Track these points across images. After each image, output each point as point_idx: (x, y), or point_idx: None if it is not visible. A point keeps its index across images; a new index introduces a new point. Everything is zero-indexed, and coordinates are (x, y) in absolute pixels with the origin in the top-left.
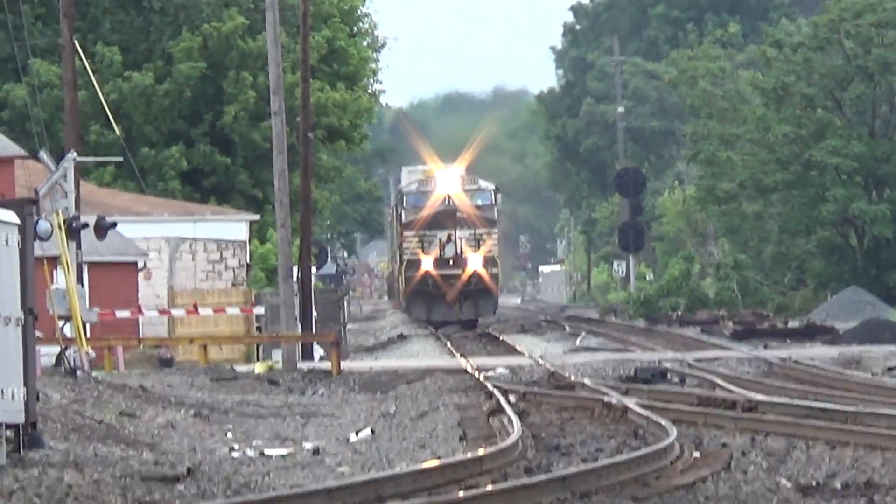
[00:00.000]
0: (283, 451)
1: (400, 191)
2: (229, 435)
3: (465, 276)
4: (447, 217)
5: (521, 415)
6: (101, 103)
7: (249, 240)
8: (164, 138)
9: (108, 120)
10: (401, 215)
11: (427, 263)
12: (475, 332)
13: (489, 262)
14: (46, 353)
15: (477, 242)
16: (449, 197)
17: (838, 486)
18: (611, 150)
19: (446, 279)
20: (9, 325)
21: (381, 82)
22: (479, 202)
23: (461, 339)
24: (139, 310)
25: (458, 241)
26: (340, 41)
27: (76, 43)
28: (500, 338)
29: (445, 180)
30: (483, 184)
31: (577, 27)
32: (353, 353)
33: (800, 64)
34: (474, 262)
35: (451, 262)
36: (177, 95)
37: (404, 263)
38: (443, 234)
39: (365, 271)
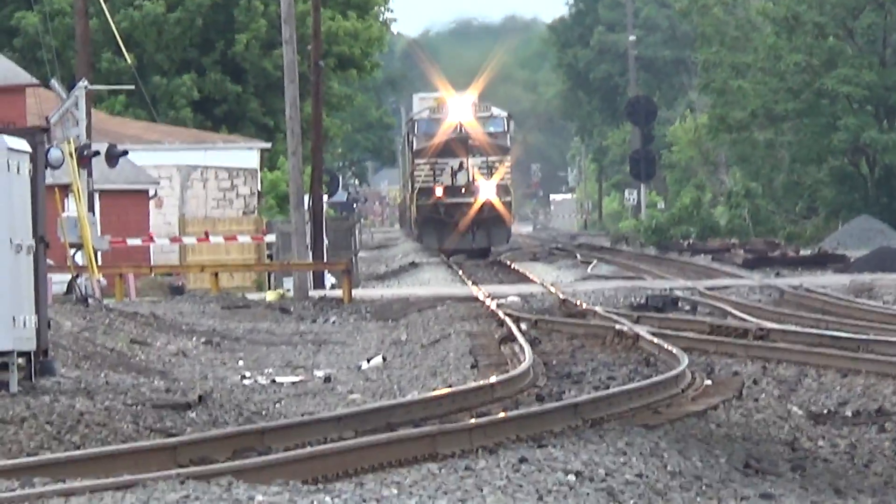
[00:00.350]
0: (295, 379)
1: (411, 118)
2: (241, 363)
3: (477, 205)
4: (459, 144)
5: (533, 342)
6: (113, 31)
7: (261, 168)
8: (176, 67)
9: (120, 48)
10: (412, 143)
11: (439, 191)
12: (487, 261)
13: (502, 189)
14: (58, 281)
15: (489, 170)
16: (461, 124)
17: (849, 413)
18: (622, 78)
19: (458, 207)
20: (20, 253)
21: (392, 10)
22: (492, 129)
23: (473, 266)
24: (150, 238)
25: (470, 169)
26: None
27: None
28: (512, 266)
29: (457, 107)
30: (495, 111)
31: None
32: (365, 281)
33: None
34: (486, 190)
35: (462, 190)
36: (188, 24)
37: (416, 191)
38: (454, 162)
39: (376, 199)
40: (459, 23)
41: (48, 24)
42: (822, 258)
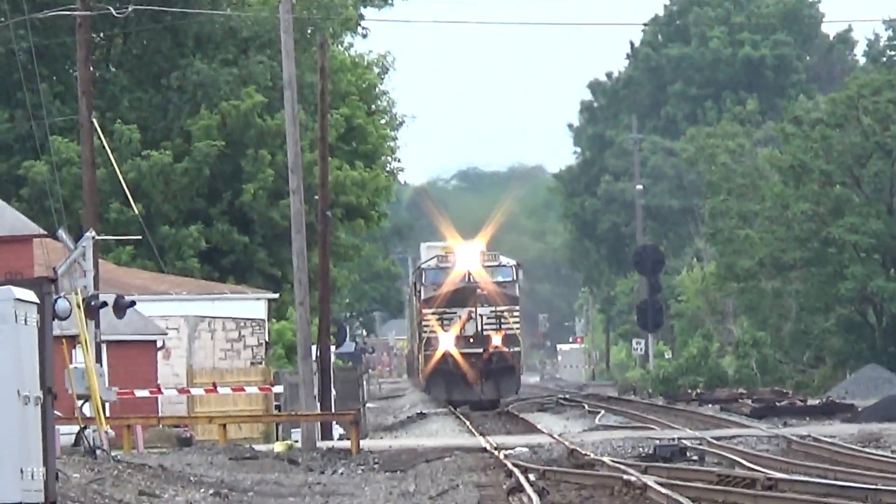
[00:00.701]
0: None
1: (419, 267)
2: None
3: (486, 355)
4: (467, 294)
5: (541, 493)
6: (120, 181)
7: (268, 318)
8: (183, 217)
9: (127, 198)
10: (420, 292)
11: (447, 342)
12: (494, 411)
13: (511, 340)
14: (66, 433)
15: (498, 320)
16: (469, 273)
17: None
18: (629, 227)
19: (467, 358)
20: (28, 405)
21: (399, 160)
22: (500, 278)
23: (480, 417)
24: (158, 389)
25: (479, 319)
26: (359, 119)
27: (95, 121)
28: (520, 416)
29: (465, 256)
30: (504, 260)
31: (595, 104)
32: (373, 431)
33: (818, 141)
34: (495, 341)
35: (471, 341)
36: (195, 174)
37: (423, 342)
38: (463, 312)
39: (384, 350)
40: (465, 172)
41: (56, 173)
42: (829, 407)
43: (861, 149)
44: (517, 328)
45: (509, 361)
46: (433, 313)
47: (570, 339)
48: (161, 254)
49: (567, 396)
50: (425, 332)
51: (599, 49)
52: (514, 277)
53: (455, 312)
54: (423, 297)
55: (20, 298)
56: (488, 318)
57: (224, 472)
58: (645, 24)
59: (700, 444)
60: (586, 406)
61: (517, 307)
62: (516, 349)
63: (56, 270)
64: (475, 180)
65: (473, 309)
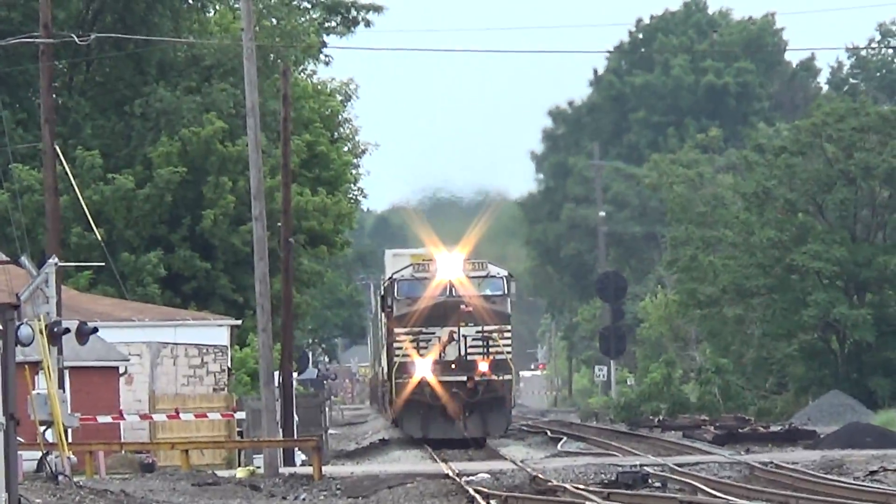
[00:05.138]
0: None
1: (391, 278)
2: None
3: (471, 384)
4: (449, 310)
5: None
6: (82, 207)
7: (231, 345)
8: (145, 243)
9: (90, 223)
10: (391, 308)
11: (424, 368)
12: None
13: (500, 366)
14: (28, 458)
15: (485, 342)
16: (451, 285)
17: None
18: (592, 254)
19: (448, 387)
20: None
21: (361, 189)
22: (489, 292)
23: (442, 444)
24: (120, 415)
25: (463, 341)
26: (321, 146)
27: (57, 148)
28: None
29: (447, 265)
30: (493, 269)
31: (557, 132)
32: (335, 457)
33: (781, 168)
34: (482, 367)
35: (453, 367)
36: (157, 200)
37: (395, 367)
38: (443, 332)
39: (346, 376)
40: (429, 199)
41: (18, 200)
42: (792, 434)
43: (825, 176)
44: (508, 352)
45: (499, 392)
46: (407, 333)
47: (533, 366)
48: (122, 280)
49: (529, 423)
50: (398, 355)
51: (563, 77)
52: (506, 290)
53: (433, 332)
54: (395, 313)
55: None
56: (474, 339)
57: (186, 498)
58: (609, 52)
59: (662, 471)
60: (548, 432)
61: (509, 326)
62: (507, 377)
63: (19, 297)
64: (441, 206)
65: (456, 328)
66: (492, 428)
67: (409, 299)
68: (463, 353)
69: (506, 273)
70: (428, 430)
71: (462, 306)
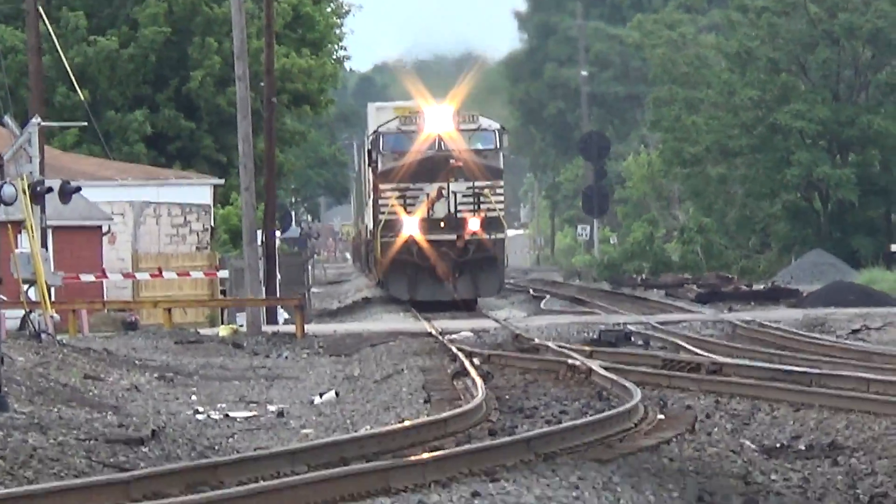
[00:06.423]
0: (248, 414)
1: (376, 131)
2: (194, 398)
3: (460, 243)
4: (438, 165)
5: (485, 377)
6: (66, 68)
7: (214, 204)
8: (129, 103)
9: (73, 83)
10: (376, 162)
11: (411, 226)
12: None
13: (492, 224)
14: (11, 317)
15: (476, 198)
16: (440, 139)
17: (802, 447)
18: (575, 113)
19: (436, 246)
20: None
21: (345, 48)
22: (480, 146)
23: (426, 302)
24: (103, 273)
25: (452, 197)
26: (306, 7)
27: (40, 8)
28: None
29: (435, 117)
30: (484, 122)
31: None
32: (318, 316)
33: (764, 28)
34: (473, 225)
35: (442, 225)
36: (141, 60)
37: (380, 225)
38: (431, 188)
39: (329, 235)
40: (414, 55)
41: (1, 61)
42: (774, 293)
43: (808, 36)
44: (501, 209)
45: (490, 251)
46: (393, 189)
47: (516, 225)
48: (107, 139)
49: (512, 281)
50: (383, 213)
51: None
52: (498, 144)
53: (421, 188)
54: (380, 168)
55: None
56: (464, 195)
57: (169, 355)
58: None
59: (645, 329)
60: (531, 291)
61: (501, 182)
62: (499, 235)
63: (2, 156)
64: (426, 65)
65: (445, 184)
66: (483, 289)
67: (395, 153)
68: (452, 210)
69: (498, 126)
70: (415, 291)
71: (451, 161)
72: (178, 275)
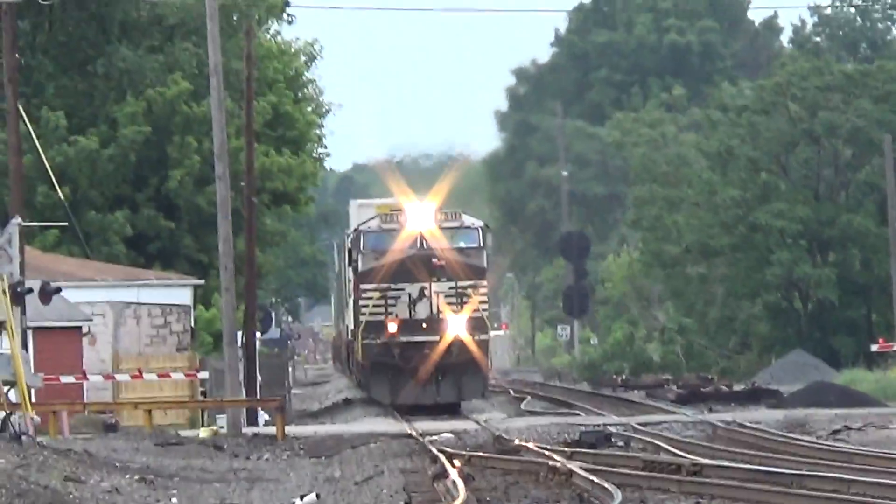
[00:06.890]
0: None
1: (356, 230)
2: (174, 500)
3: (443, 345)
4: (420, 264)
5: (466, 479)
6: (46, 167)
7: (194, 304)
8: (109, 203)
9: (53, 183)
10: (357, 262)
11: (392, 327)
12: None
13: (476, 325)
14: None
15: (460, 298)
16: (422, 237)
17: None
18: (555, 212)
19: (418, 348)
20: None
21: (325, 147)
22: (463, 244)
23: (412, 409)
24: (84, 375)
25: (435, 298)
26: (286, 106)
27: (20, 108)
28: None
29: (417, 215)
30: (467, 220)
31: (521, 91)
32: (298, 417)
33: (745, 127)
34: (456, 326)
35: (424, 326)
36: (122, 160)
37: (361, 326)
38: (413, 288)
39: (309, 336)
40: (396, 155)
41: None
42: (755, 393)
43: (788, 135)
44: (484, 309)
45: (473, 354)
46: (374, 290)
47: (496, 325)
48: (87, 240)
49: (492, 382)
50: (364, 314)
51: (527, 36)
52: (481, 242)
53: (402, 289)
54: (361, 268)
55: None
56: (447, 296)
57: (150, 457)
58: (570, 12)
59: (626, 430)
60: (512, 392)
61: (485, 281)
62: (483, 337)
63: None
64: (406, 165)
65: (427, 284)
66: (467, 392)
67: (375, 253)
68: (435, 311)
69: (481, 223)
70: (397, 395)
71: (434, 260)
72: (158, 376)
